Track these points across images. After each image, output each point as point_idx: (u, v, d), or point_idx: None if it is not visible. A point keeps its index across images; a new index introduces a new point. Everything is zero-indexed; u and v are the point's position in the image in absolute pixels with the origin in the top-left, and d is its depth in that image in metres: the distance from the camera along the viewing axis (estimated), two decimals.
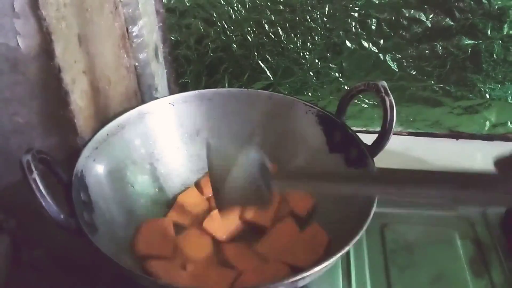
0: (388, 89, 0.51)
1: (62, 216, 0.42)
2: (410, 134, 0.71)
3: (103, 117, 0.56)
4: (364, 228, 0.44)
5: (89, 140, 0.52)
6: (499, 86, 0.65)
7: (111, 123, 0.55)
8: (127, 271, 0.42)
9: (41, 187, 0.41)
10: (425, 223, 0.59)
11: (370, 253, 0.55)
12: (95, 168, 0.52)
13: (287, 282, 0.41)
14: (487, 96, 0.66)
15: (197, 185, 0.61)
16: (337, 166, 0.56)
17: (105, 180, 0.52)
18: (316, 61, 0.66)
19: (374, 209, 0.45)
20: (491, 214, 0.60)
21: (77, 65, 0.50)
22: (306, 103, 0.59)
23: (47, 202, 0.41)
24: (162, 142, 0.60)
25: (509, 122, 0.68)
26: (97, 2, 0.53)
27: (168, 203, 0.58)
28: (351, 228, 0.45)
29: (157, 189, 0.59)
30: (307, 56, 0.66)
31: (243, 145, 0.55)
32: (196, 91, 0.61)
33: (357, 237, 0.43)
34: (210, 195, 0.58)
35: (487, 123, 0.68)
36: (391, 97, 0.51)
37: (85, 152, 0.51)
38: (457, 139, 0.70)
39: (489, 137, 0.69)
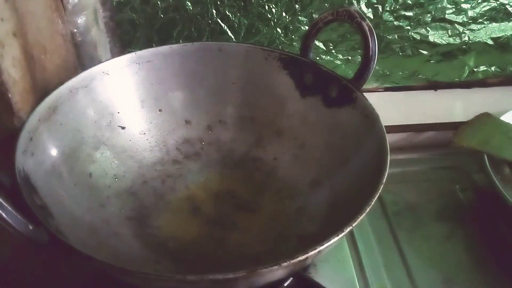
0: (362, 13, 0.46)
1: (31, 228, 0.32)
2: (386, 89, 0.66)
3: (42, 94, 0.46)
4: (378, 192, 0.38)
5: (20, 130, 0.40)
6: (478, 26, 0.61)
7: (41, 105, 0.43)
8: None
9: None
10: (422, 180, 0.55)
11: (372, 218, 0.50)
12: (38, 162, 0.41)
13: (297, 260, 0.34)
14: (466, 38, 0.62)
15: None
16: (315, 112, 0.50)
17: (55, 174, 0.42)
18: (284, 14, 0.59)
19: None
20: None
21: (5, 25, 0.39)
22: (264, 48, 0.53)
23: (10, 213, 0.31)
24: (106, 119, 0.51)
25: (487, 65, 0.65)
26: None
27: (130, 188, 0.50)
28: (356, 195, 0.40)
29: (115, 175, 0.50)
30: (273, 10, 0.59)
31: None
32: (130, 54, 0.51)
33: (372, 202, 0.37)
34: None
35: (466, 68, 0.65)
36: (368, 21, 0.45)
37: (20, 145, 0.39)
38: (435, 90, 0.66)
39: (467, 85, 0.66)
